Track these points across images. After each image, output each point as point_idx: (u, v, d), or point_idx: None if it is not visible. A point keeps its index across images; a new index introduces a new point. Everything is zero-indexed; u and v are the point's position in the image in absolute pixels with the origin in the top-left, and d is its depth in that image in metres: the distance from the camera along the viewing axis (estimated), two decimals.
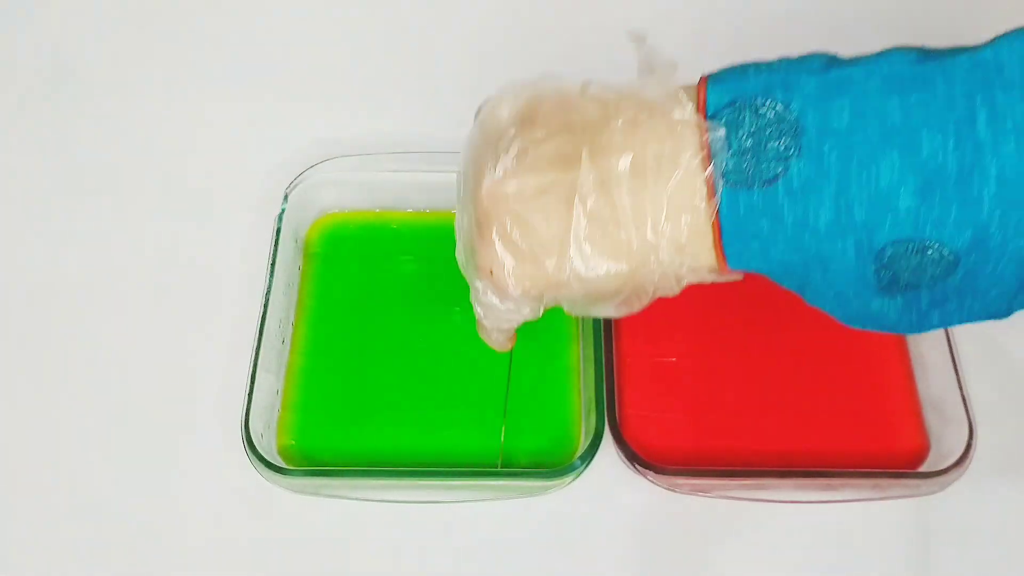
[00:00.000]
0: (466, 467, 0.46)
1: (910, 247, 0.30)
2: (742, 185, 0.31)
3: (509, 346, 0.42)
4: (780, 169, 0.30)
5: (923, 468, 0.45)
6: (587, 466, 0.43)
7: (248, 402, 0.44)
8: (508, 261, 0.34)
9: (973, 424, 0.43)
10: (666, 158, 0.31)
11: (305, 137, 0.57)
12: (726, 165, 0.31)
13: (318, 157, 0.52)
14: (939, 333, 0.46)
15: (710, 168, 0.31)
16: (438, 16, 0.65)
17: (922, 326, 0.33)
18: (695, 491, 0.45)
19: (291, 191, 0.51)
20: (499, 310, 0.37)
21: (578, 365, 0.49)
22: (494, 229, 0.33)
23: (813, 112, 0.30)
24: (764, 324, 0.50)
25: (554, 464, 0.45)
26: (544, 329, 0.50)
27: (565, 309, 0.37)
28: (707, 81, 0.32)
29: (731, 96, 0.31)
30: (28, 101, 0.61)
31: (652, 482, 0.44)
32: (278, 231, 0.50)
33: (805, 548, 0.45)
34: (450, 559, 0.44)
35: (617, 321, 0.49)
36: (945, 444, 0.45)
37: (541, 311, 0.37)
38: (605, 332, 0.47)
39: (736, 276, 0.34)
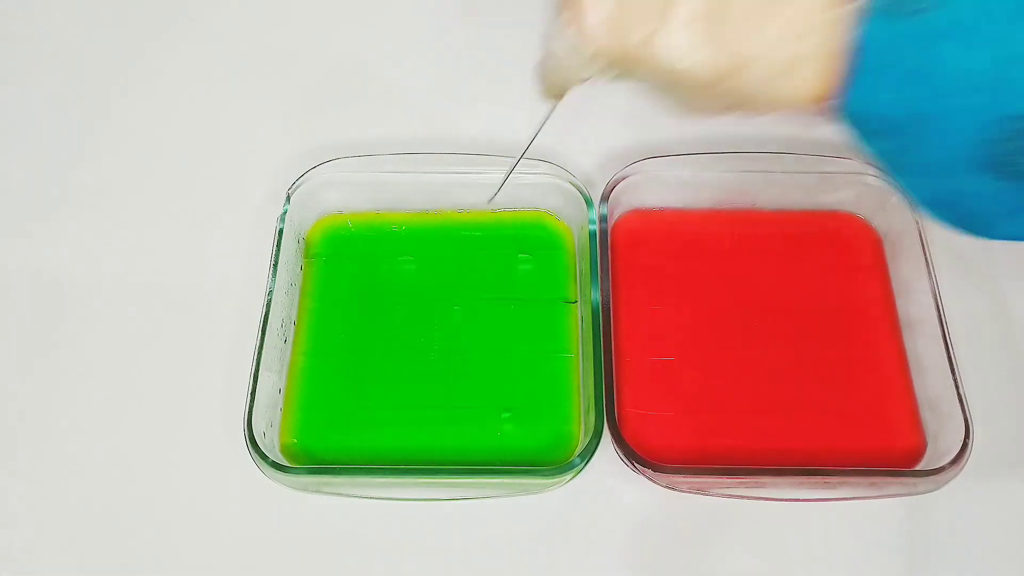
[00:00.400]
0: (467, 465, 0.46)
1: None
2: (883, 13, 0.28)
3: (556, 99, 0.38)
4: (926, 5, 0.28)
5: (920, 466, 0.45)
6: (586, 464, 0.44)
7: (250, 401, 0.44)
8: (595, 15, 0.31)
9: (970, 422, 0.44)
10: None
11: (307, 138, 0.58)
12: None
13: (320, 158, 0.53)
14: (935, 332, 0.47)
15: None
16: (439, 18, 0.65)
17: (1004, 222, 0.31)
18: (693, 489, 0.45)
19: (293, 192, 0.52)
20: (562, 63, 0.34)
21: (578, 364, 0.49)
22: None
23: None
24: (762, 323, 0.50)
25: (554, 462, 0.45)
26: (544, 328, 0.50)
27: (628, 78, 0.34)
28: None
29: None
30: (32, 103, 0.61)
31: (651, 480, 0.44)
32: (280, 231, 0.50)
33: (803, 546, 0.45)
34: (451, 556, 0.45)
35: (616, 320, 0.49)
36: (942, 442, 0.45)
37: (605, 78, 0.34)
38: (604, 331, 0.47)
39: (823, 115, 0.32)
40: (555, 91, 0.37)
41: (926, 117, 0.29)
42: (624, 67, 0.32)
